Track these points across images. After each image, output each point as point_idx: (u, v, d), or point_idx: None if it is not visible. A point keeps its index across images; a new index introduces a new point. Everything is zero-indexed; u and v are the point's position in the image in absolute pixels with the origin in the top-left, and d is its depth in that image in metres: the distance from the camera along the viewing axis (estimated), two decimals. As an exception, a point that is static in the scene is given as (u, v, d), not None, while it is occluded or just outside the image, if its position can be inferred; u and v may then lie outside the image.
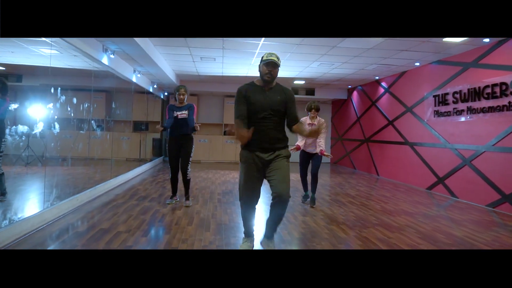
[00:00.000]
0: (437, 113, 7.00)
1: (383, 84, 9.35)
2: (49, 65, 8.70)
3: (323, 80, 10.09)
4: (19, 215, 3.98)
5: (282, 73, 9.07)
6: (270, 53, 2.97)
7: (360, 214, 4.96)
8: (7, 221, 3.62)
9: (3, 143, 4.40)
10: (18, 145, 8.73)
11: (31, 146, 8.76)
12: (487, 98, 5.76)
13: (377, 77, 9.40)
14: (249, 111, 2.95)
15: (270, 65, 2.92)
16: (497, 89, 5.56)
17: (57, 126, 6.11)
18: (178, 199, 5.42)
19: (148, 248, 3.32)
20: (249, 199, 3.06)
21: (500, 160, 5.48)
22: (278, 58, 2.95)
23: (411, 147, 7.96)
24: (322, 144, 5.13)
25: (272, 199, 2.94)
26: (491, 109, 5.68)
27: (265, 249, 3.13)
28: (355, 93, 11.24)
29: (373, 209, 5.32)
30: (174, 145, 5.08)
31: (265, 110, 2.93)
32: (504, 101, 5.43)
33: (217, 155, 12.67)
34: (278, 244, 3.48)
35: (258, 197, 3.10)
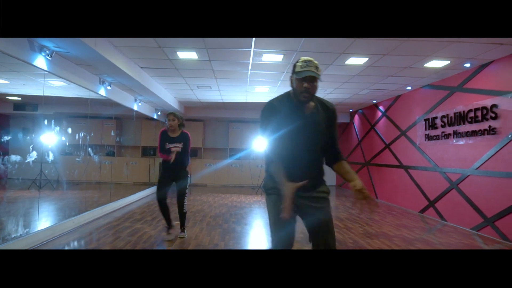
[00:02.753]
0: (428, 137, 7.13)
1: (381, 107, 9.53)
2: (59, 95, 9.29)
3: (323, 105, 10.33)
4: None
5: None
6: (306, 61, 2.11)
7: (339, 237, 5.10)
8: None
9: None
10: (33, 169, 9.29)
11: (43, 171, 9.30)
12: (471, 122, 5.88)
13: (374, 101, 9.59)
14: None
15: (306, 80, 2.09)
16: (479, 113, 5.69)
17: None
18: (177, 232, 4.97)
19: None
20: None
21: (483, 184, 5.55)
22: (317, 68, 2.11)
23: (405, 170, 8.04)
24: None
25: None
26: (474, 133, 5.79)
27: None
28: (356, 117, 11.42)
29: (354, 232, 5.45)
30: (169, 175, 4.81)
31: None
32: (485, 125, 5.55)
33: (222, 179, 12.96)
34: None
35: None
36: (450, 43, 4.76)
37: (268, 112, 2.19)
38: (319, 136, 2.20)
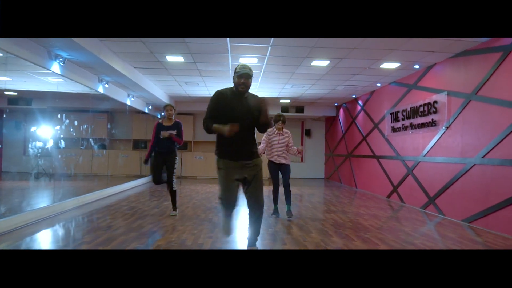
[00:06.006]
0: (393, 129, 8.78)
1: (360, 102, 11.17)
2: (56, 91, 10.91)
3: (308, 99, 11.99)
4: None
5: (264, 93, 11.03)
6: (242, 65, 3.45)
7: (306, 210, 6.77)
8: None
9: None
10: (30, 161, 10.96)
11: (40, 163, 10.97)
12: (421, 116, 7.52)
13: (354, 95, 11.22)
14: (226, 117, 3.43)
15: (243, 77, 3.43)
16: (426, 108, 7.33)
17: (63, 143, 8.16)
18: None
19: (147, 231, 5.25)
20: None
21: (429, 168, 7.20)
22: (250, 69, 3.43)
23: (377, 160, 9.70)
24: (294, 148, 6.30)
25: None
26: (423, 125, 7.44)
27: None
28: (341, 110, 13.08)
29: (318, 208, 7.13)
30: (160, 159, 6.05)
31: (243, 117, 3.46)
32: (429, 118, 7.20)
33: (212, 171, 14.56)
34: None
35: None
36: (392, 50, 6.39)
37: (215, 96, 3.62)
38: (250, 115, 3.53)
